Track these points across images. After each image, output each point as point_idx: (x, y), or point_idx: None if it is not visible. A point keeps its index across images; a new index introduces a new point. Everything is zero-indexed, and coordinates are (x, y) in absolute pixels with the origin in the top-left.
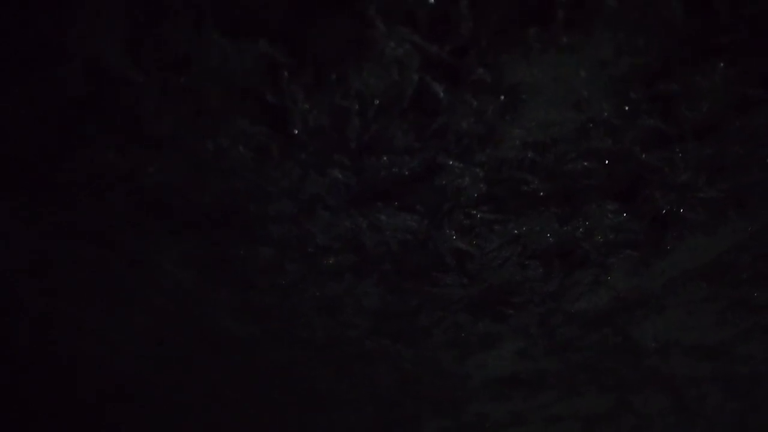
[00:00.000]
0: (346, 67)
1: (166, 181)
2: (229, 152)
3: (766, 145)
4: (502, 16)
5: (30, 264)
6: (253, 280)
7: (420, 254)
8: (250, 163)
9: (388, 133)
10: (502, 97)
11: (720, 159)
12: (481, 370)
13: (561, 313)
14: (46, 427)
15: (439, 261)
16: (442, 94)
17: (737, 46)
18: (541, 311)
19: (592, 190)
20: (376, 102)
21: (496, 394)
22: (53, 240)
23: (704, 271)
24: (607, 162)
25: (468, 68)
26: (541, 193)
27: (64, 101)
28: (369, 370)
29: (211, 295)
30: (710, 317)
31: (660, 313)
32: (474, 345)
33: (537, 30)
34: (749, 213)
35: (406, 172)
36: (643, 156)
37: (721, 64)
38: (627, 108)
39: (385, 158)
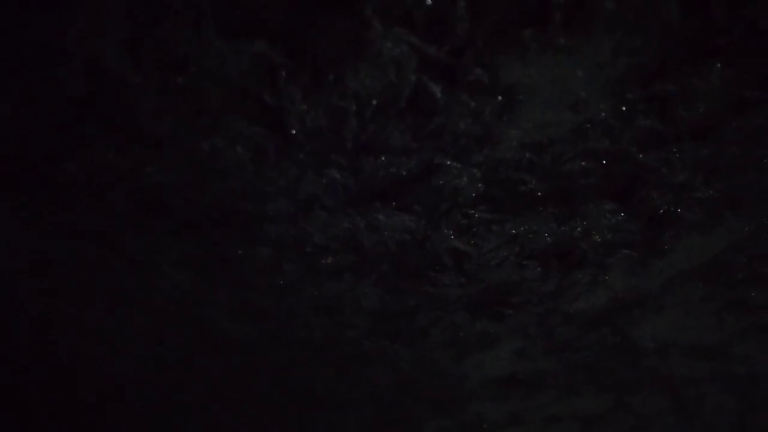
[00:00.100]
0: (344, 68)
1: (166, 181)
2: (228, 152)
3: (762, 145)
4: (499, 17)
5: (30, 264)
6: (251, 280)
7: (418, 254)
8: (248, 163)
9: (386, 134)
10: (500, 98)
11: (717, 159)
12: (480, 370)
13: (559, 313)
14: (46, 427)
15: (436, 261)
16: (439, 95)
17: (734, 47)
18: (539, 311)
19: (589, 191)
20: (374, 102)
21: (495, 394)
22: (53, 240)
23: (701, 271)
24: (604, 162)
25: (465, 69)
26: (539, 194)
27: (64, 101)
28: (367, 371)
29: (210, 296)
30: (708, 317)
31: (658, 313)
32: (472, 345)
33: (534, 31)
34: (745, 213)
35: (404, 173)
36: (640, 156)
37: (718, 65)
38: (624, 109)
39: (382, 158)
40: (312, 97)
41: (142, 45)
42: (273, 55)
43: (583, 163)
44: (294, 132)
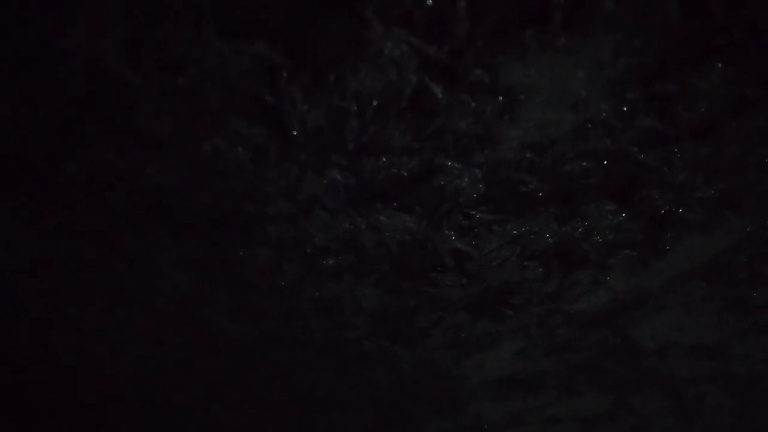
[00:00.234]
0: (344, 68)
1: (166, 181)
2: (228, 153)
3: (762, 145)
4: (499, 17)
5: (30, 264)
6: (252, 281)
7: (419, 255)
8: (248, 163)
9: (386, 134)
10: (500, 98)
11: (717, 159)
12: (480, 370)
13: (560, 314)
14: (46, 427)
15: (438, 261)
16: (439, 95)
17: (734, 47)
18: (540, 312)
19: (590, 191)
20: (374, 103)
21: (495, 394)
22: (53, 240)
23: (702, 271)
24: (605, 162)
25: (465, 69)
26: (540, 194)
27: (64, 101)
28: (368, 371)
29: (210, 296)
30: (708, 317)
31: (658, 313)
32: (473, 345)
33: (534, 31)
34: (746, 213)
35: (405, 173)
36: (641, 156)
37: (719, 65)
38: (625, 108)
39: (383, 159)
40: (312, 97)
41: (142, 45)
42: (273, 56)
43: (584, 164)
44: (294, 132)
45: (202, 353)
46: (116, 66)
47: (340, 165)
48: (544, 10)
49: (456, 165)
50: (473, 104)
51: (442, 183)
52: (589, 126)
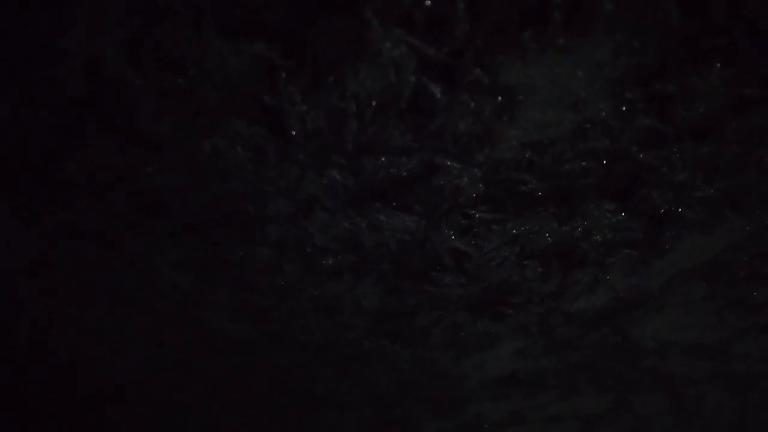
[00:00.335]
0: (344, 69)
1: (166, 181)
2: (228, 153)
3: (762, 145)
4: (498, 17)
5: (30, 264)
6: (252, 281)
7: (418, 254)
8: (248, 164)
9: (386, 134)
10: (500, 98)
11: (717, 159)
12: (480, 370)
13: (560, 313)
14: (46, 427)
15: (437, 261)
16: (439, 95)
17: (734, 47)
18: (539, 311)
19: (589, 190)
20: (374, 103)
21: (495, 394)
22: (53, 240)
23: (702, 271)
24: (604, 162)
25: (465, 69)
26: (539, 193)
27: (64, 101)
28: (368, 371)
29: (210, 296)
30: (708, 316)
31: (658, 312)
32: (473, 345)
33: (533, 31)
34: (746, 212)
35: (404, 173)
36: (641, 156)
37: (718, 65)
38: (624, 108)
39: (382, 159)
40: (312, 97)
41: (142, 45)
42: (273, 56)
43: (584, 163)
44: (294, 133)
45: (202, 353)
46: (116, 66)
47: (339, 165)
48: (544, 11)
49: (455, 165)
50: (473, 104)
51: (442, 183)
52: (589, 126)
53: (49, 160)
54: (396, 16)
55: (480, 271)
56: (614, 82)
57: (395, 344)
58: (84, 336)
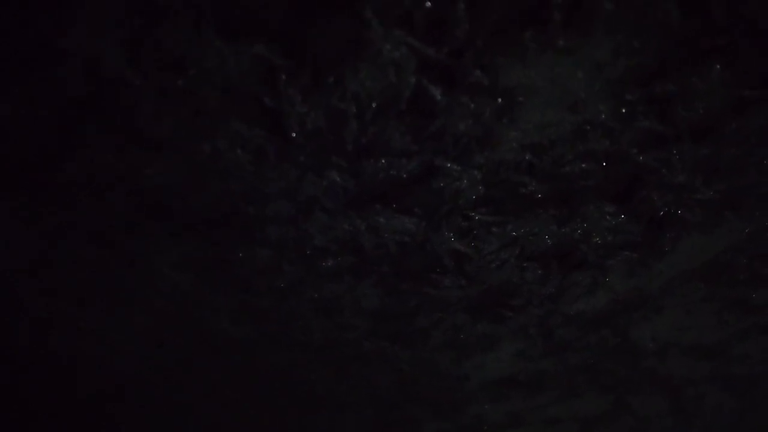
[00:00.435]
0: (343, 70)
1: (166, 182)
2: (228, 154)
3: (762, 146)
4: (498, 18)
5: (30, 264)
6: (252, 282)
7: (418, 256)
8: (247, 164)
9: (386, 136)
10: (499, 100)
11: (717, 160)
12: (480, 371)
13: (559, 315)
14: (46, 427)
15: (437, 263)
16: (439, 97)
17: (734, 47)
18: (539, 313)
19: (589, 192)
20: (373, 104)
21: (495, 395)
22: (53, 240)
23: (702, 272)
24: (604, 163)
25: (465, 70)
26: (539, 195)
27: (64, 101)
28: (367, 372)
29: (210, 297)
30: (708, 317)
31: (658, 313)
32: (473, 346)
33: (533, 32)
34: (746, 214)
35: (404, 175)
36: (640, 157)
37: (718, 66)
38: (624, 110)
39: (382, 161)
40: (312, 99)
41: (142, 45)
42: (273, 57)
43: (583, 165)
44: (294, 134)
45: (202, 353)
46: (116, 66)
47: (339, 166)
48: (544, 11)
49: (455, 166)
50: (472, 106)
51: (442, 184)
52: (589, 127)
53: (49, 160)
54: (396, 16)
55: (480, 273)
56: (614, 82)
57: (395, 345)
58: (84, 336)
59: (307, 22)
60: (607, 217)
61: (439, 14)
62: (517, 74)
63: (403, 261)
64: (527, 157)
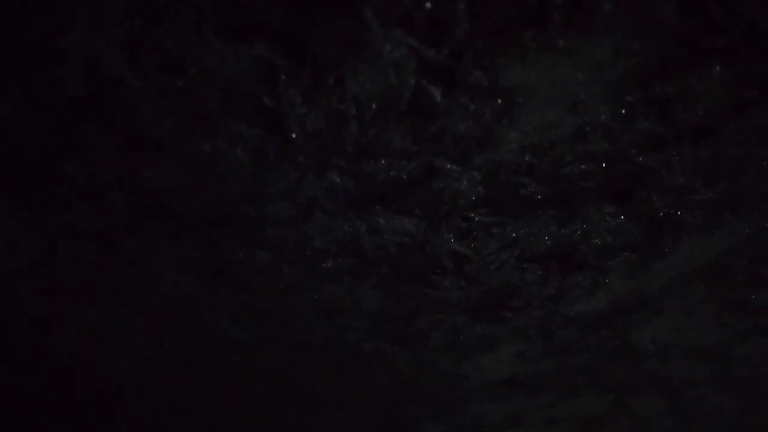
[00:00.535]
0: (343, 71)
1: (165, 183)
2: (227, 155)
3: (762, 147)
4: (498, 18)
5: (30, 264)
6: (252, 283)
7: (418, 257)
8: (247, 165)
9: (386, 137)
10: (499, 101)
11: (716, 161)
12: (480, 372)
13: (559, 316)
14: (46, 427)
15: (437, 264)
16: (438, 98)
17: (734, 47)
18: (539, 314)
19: (589, 193)
20: (373, 105)
21: (495, 396)
22: (53, 240)
23: (702, 273)
24: (604, 165)
25: (464, 71)
26: (539, 196)
27: (64, 102)
28: (368, 372)
29: (210, 298)
30: (708, 319)
31: (658, 315)
32: (472, 348)
33: (533, 33)
34: (745, 215)
35: (404, 176)
36: (640, 158)
37: (718, 67)
38: (623, 111)
39: (382, 162)
40: (312, 99)
41: (142, 46)
42: (273, 57)
43: (583, 166)
44: (294, 135)
45: (202, 354)
46: (116, 66)
47: (339, 167)
48: (544, 11)
49: (455, 167)
50: (472, 107)
51: (441, 186)
52: (589, 128)
53: (49, 160)
54: (396, 16)
55: (479, 274)
56: (614, 83)
57: (395, 346)
58: (84, 336)
59: (307, 22)
60: (607, 218)
61: (439, 15)
62: (517, 75)
63: (403, 262)
64: (527, 158)
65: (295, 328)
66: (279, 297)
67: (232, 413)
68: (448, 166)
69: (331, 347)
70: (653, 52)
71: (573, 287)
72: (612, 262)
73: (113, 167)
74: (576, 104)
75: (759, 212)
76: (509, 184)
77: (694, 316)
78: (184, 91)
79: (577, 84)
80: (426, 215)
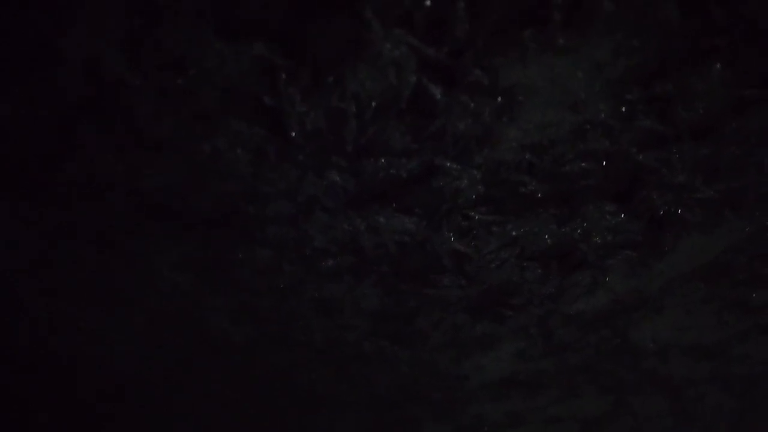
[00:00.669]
0: (343, 70)
1: (165, 182)
2: (227, 154)
3: (762, 146)
4: (498, 17)
5: (30, 264)
6: (252, 282)
7: (418, 256)
8: (247, 164)
9: (386, 135)
10: (499, 99)
11: (717, 160)
12: (480, 371)
13: (559, 315)
14: (46, 427)
15: (437, 263)
16: (438, 96)
17: (734, 47)
18: (539, 313)
19: (589, 192)
20: (373, 104)
21: (495, 395)
22: (53, 240)
23: (702, 272)
24: (604, 163)
25: (465, 70)
26: (539, 195)
27: (64, 102)
28: (367, 372)
29: (210, 298)
30: (708, 318)
31: (658, 313)
32: (472, 346)
33: (533, 31)
34: (746, 214)
35: (404, 174)
36: (640, 157)
37: (718, 66)
38: (624, 109)
39: (382, 160)
40: (312, 98)
41: (142, 46)
42: (272, 57)
43: (583, 164)
44: (294, 134)
45: (202, 354)
46: (116, 67)
47: (339, 166)
48: (544, 11)
49: (455, 166)
50: (472, 105)
51: (442, 184)
52: (589, 127)
53: (49, 160)
54: (396, 16)
55: (480, 273)
56: (614, 82)
57: (395, 345)
58: (84, 336)
59: (307, 22)
60: (607, 216)
61: (439, 14)
62: (517, 74)
63: (402, 261)
64: (527, 157)
65: (295, 328)
66: (279, 297)
67: (232, 413)
68: (448, 164)
69: (331, 347)
70: (653, 52)
71: (573, 286)
72: (612, 261)
73: (113, 167)
74: (576, 103)
75: (759, 211)
76: (509, 182)
77: (694, 314)
78: (184, 91)
79: (577, 83)
80: (426, 214)
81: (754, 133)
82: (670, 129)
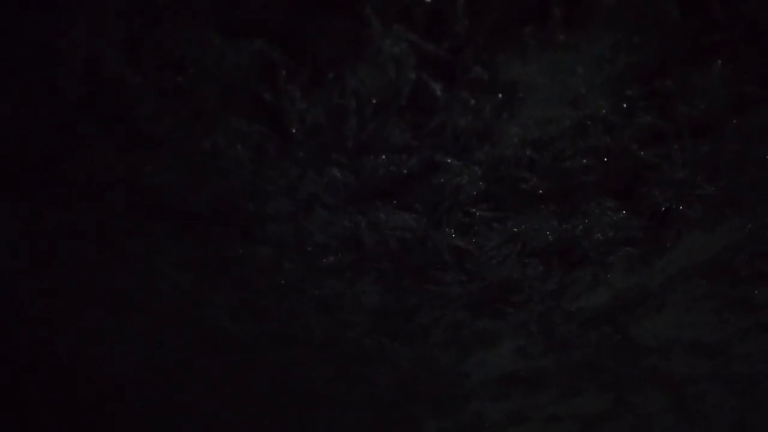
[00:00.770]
0: (343, 66)
1: (165, 181)
2: (227, 151)
3: (763, 143)
4: (498, 14)
5: (30, 264)
6: (252, 280)
7: (419, 252)
8: (248, 162)
9: (386, 132)
10: (500, 95)
11: (717, 156)
12: (481, 368)
13: (560, 312)
14: (46, 427)
15: (438, 259)
16: (439, 93)
17: (734, 45)
18: (540, 309)
19: (590, 188)
20: (374, 101)
21: (496, 393)
22: (53, 240)
23: (703, 269)
24: (605, 159)
25: (465, 66)
26: (540, 191)
27: (64, 102)
28: (368, 369)
29: (210, 296)
30: (709, 315)
31: (659, 311)
32: (473, 343)
33: (534, 28)
34: (747, 211)
35: (404, 171)
36: (641, 153)
37: (719, 63)
38: (624, 105)
39: (383, 157)
40: (312, 95)
41: (142, 45)
42: (272, 54)
43: (584, 161)
44: (294, 131)
45: (203, 352)
46: (116, 66)
47: (339, 163)
48: (544, 7)
49: (456, 162)
50: (473, 102)
51: (442, 181)
52: (589, 123)
53: (49, 160)
54: (396, 13)
55: (480, 270)
56: (614, 79)
57: (395, 342)
58: (84, 336)
59: (307, 20)
60: (608, 213)
61: (439, 10)
62: (518, 70)
63: (403, 257)
64: (528, 153)
65: (296, 325)
66: (279, 294)
67: (232, 412)
68: (449, 160)
69: (331, 344)
70: (653, 49)
71: (574, 282)
72: (613, 258)
73: (113, 167)
74: (576, 99)
75: (760, 208)
76: (510, 178)
77: (695, 312)
78: (183, 90)
79: (577, 79)
80: (426, 210)
81: (754, 131)
82: (671, 125)
